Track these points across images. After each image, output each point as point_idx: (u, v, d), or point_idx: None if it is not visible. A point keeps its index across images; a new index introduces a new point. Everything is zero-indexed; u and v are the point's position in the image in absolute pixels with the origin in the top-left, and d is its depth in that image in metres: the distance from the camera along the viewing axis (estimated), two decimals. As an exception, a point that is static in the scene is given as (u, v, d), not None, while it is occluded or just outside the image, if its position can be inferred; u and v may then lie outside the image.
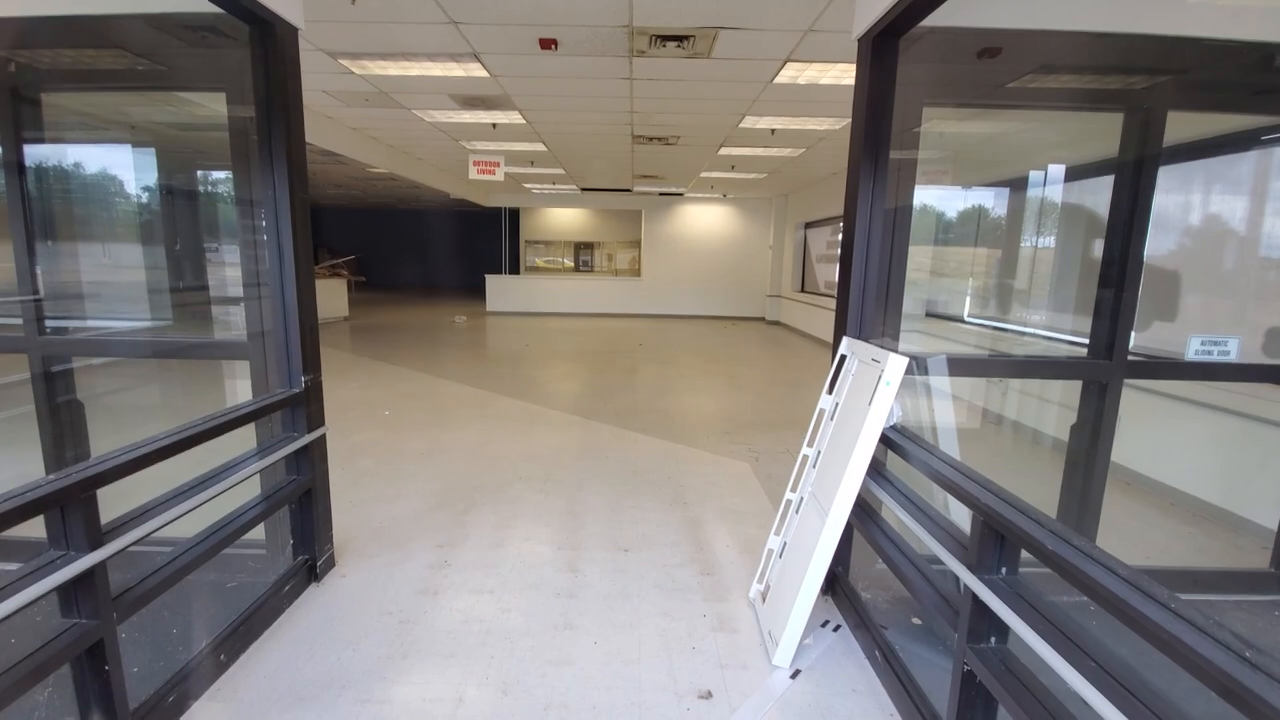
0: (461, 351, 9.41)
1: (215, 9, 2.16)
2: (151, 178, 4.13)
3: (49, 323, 2.80)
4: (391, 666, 2.19)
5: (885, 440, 2.14)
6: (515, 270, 16.76)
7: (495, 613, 2.54)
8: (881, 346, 2.16)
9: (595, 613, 2.55)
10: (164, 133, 3.70)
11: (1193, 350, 2.51)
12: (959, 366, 2.61)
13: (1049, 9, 2.52)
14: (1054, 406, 4.17)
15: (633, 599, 2.66)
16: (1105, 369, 2.58)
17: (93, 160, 4.14)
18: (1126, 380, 2.57)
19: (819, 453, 2.43)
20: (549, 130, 7.65)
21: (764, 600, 2.50)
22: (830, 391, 2.47)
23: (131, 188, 4.28)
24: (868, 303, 2.48)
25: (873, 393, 2.03)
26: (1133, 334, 2.53)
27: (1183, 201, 3.74)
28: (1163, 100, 2.54)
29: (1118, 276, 2.51)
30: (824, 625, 2.48)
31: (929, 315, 6.23)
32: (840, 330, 2.56)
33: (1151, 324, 3.61)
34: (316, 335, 2.66)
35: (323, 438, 2.74)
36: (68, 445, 2.79)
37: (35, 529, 1.53)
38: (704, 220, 14.99)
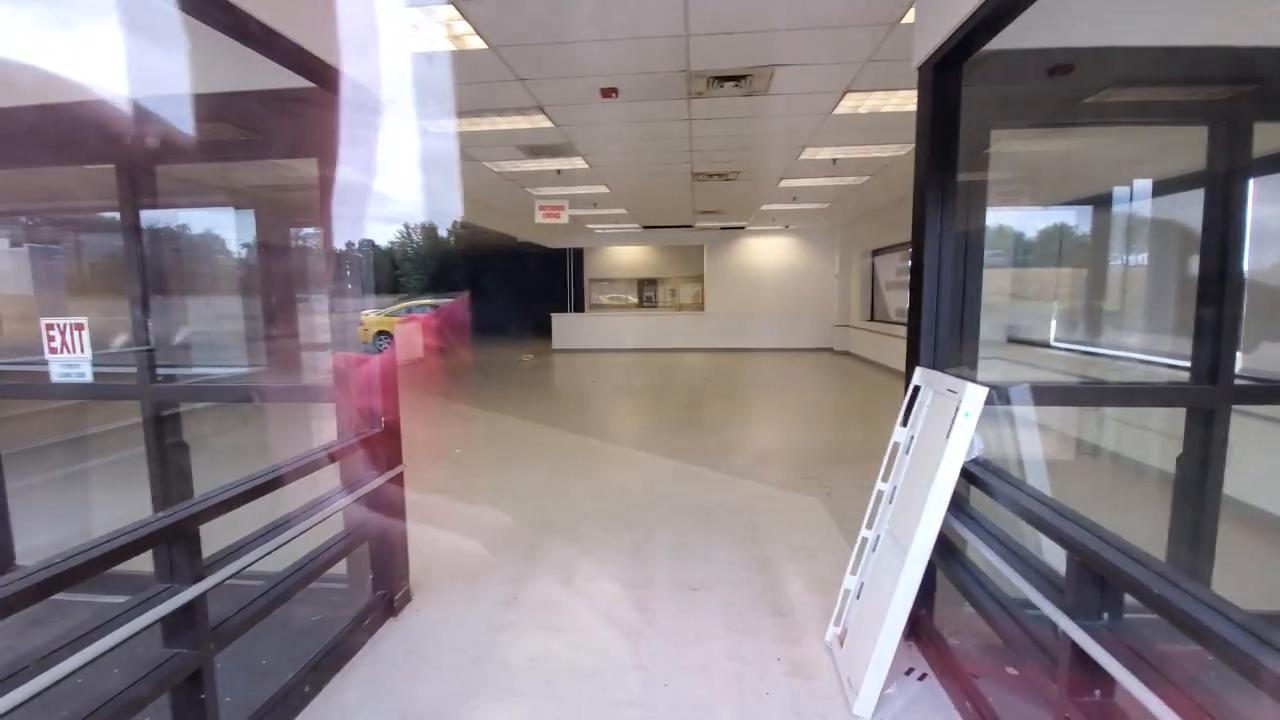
0: (530, 389, 9.63)
1: (309, 83, 2.38)
2: (249, 235, 4.51)
3: (159, 370, 3.06)
4: (465, 704, 2.22)
5: (966, 475, 2.03)
6: (580, 308, 17.11)
7: (564, 651, 2.53)
8: (958, 376, 2.07)
9: (665, 654, 2.50)
10: (261, 194, 4.05)
11: (1314, 373, 2.28)
12: (1045, 395, 2.47)
13: (1119, 26, 2.42)
14: (1156, 436, 3.85)
15: (703, 640, 2.60)
16: (1209, 394, 2.37)
17: (198, 222, 4.57)
18: (1235, 406, 2.36)
19: (895, 488, 2.33)
20: (611, 173, 7.88)
21: (841, 644, 2.39)
22: (904, 424, 2.38)
23: (232, 245, 4.68)
24: (941, 331, 2.39)
25: (950, 425, 1.95)
26: (1239, 355, 2.33)
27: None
28: (1247, 111, 2.37)
29: (1216, 295, 2.33)
30: (908, 673, 2.34)
31: (1011, 341, 5.93)
32: (913, 360, 2.47)
33: (1260, 345, 3.31)
34: (395, 377, 2.79)
35: (400, 475, 2.86)
36: (174, 484, 3.02)
37: (142, 563, 1.66)
38: (767, 252, 14.92)
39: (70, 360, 2.90)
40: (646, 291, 17.92)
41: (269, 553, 1.99)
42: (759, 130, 5.91)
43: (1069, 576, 1.48)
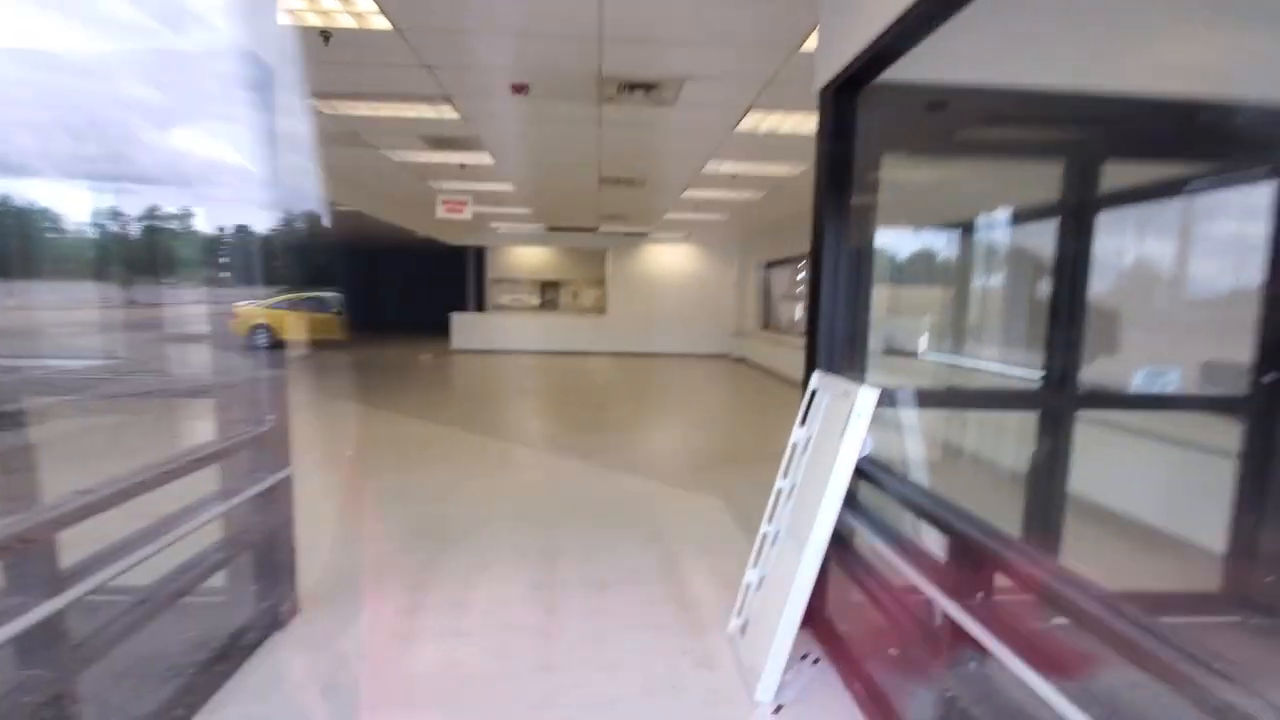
0: (428, 390, 9.27)
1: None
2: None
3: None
4: (364, 718, 2.10)
5: (858, 471, 2.19)
6: (481, 308, 16.68)
7: (471, 656, 2.47)
8: (851, 379, 2.23)
9: (575, 653, 2.50)
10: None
11: (1138, 382, 2.66)
12: (926, 399, 2.71)
13: (989, 67, 2.72)
14: (1011, 437, 4.32)
15: (612, 638, 2.62)
16: (1058, 399, 2.71)
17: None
18: (1080, 411, 2.71)
19: (794, 485, 2.47)
20: (517, 171, 7.77)
21: (743, 634, 2.50)
22: (802, 424, 2.53)
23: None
24: (836, 338, 2.57)
25: (845, 425, 2.10)
26: (1083, 367, 2.68)
27: (1119, 244, 4.00)
28: (1097, 150, 2.75)
29: (1066, 313, 2.67)
30: (803, 658, 2.48)
31: (886, 352, 6.43)
32: (810, 365, 2.63)
33: (1097, 358, 3.81)
34: (282, 374, 2.61)
35: (288, 479, 2.67)
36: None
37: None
38: (668, 260, 15.26)
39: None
40: (548, 294, 17.80)
41: (139, 562, 1.80)
42: (666, 140, 6.05)
43: (949, 560, 1.64)
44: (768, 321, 13.35)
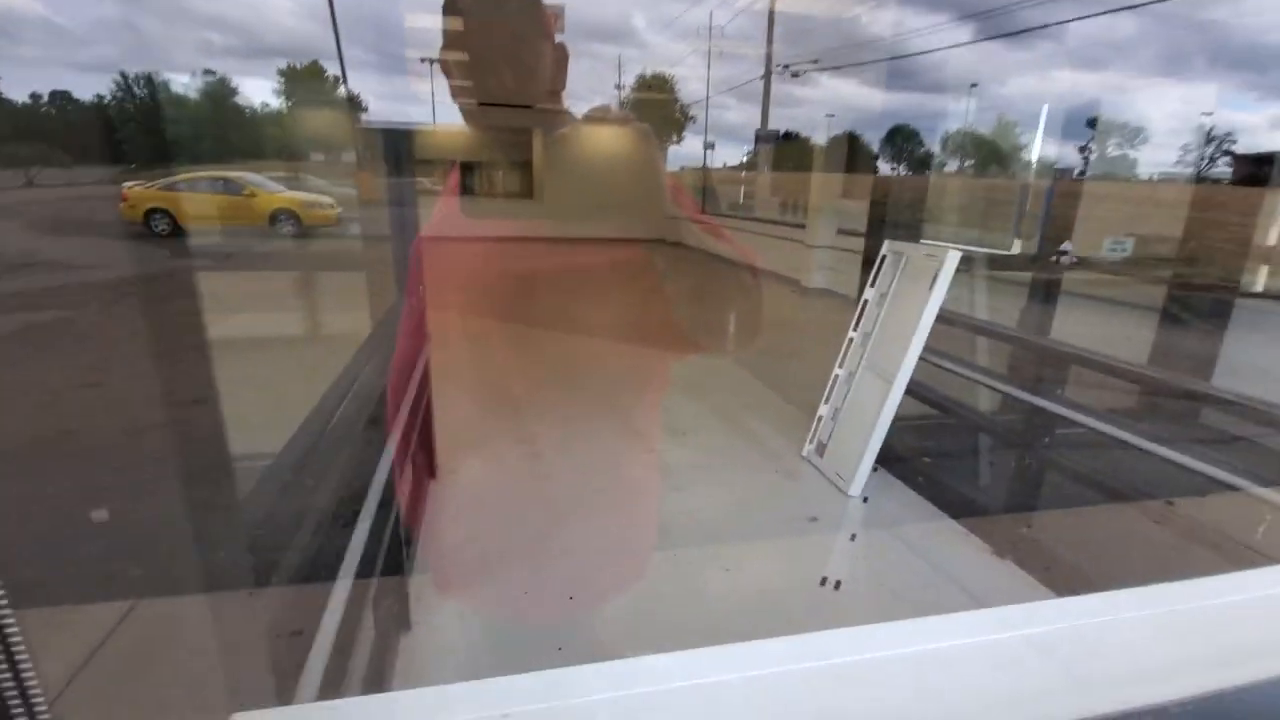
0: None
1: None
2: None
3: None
4: (522, 530, 2.60)
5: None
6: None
7: (601, 483, 2.98)
8: (934, 246, 2.79)
9: (691, 476, 3.08)
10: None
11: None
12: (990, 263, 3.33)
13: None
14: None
15: (713, 466, 3.22)
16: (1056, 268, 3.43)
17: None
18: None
19: (867, 334, 3.06)
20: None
21: (821, 454, 3.16)
22: (873, 285, 3.09)
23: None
24: (899, 218, 3.09)
25: (933, 280, 2.66)
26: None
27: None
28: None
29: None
30: (865, 468, 3.20)
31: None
32: (876, 238, 3.16)
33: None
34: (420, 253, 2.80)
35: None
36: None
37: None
38: (601, 142, 14.99)
39: None
40: (465, 178, 16.97)
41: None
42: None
43: (1025, 364, 2.29)
44: (704, 206, 13.74)
